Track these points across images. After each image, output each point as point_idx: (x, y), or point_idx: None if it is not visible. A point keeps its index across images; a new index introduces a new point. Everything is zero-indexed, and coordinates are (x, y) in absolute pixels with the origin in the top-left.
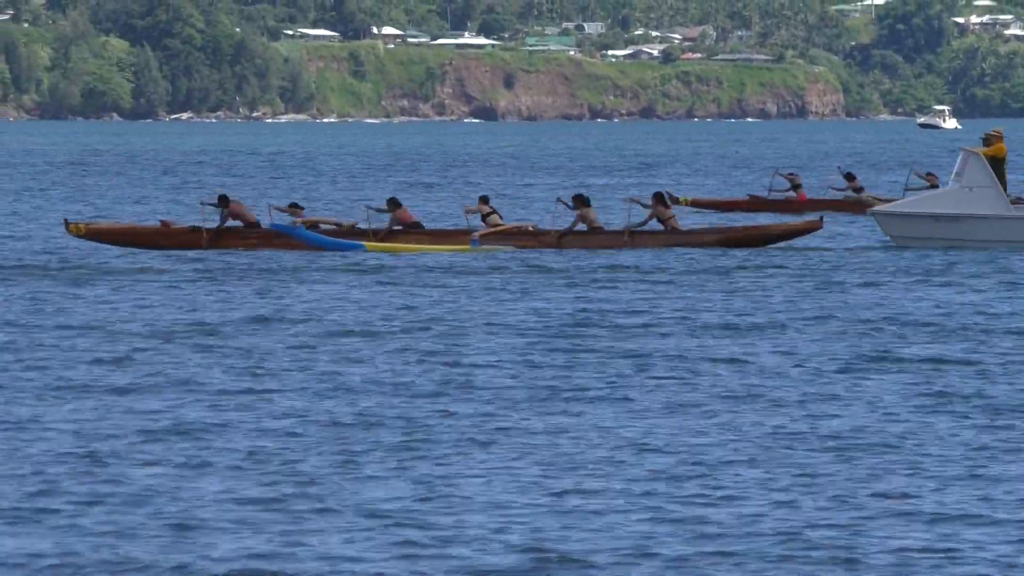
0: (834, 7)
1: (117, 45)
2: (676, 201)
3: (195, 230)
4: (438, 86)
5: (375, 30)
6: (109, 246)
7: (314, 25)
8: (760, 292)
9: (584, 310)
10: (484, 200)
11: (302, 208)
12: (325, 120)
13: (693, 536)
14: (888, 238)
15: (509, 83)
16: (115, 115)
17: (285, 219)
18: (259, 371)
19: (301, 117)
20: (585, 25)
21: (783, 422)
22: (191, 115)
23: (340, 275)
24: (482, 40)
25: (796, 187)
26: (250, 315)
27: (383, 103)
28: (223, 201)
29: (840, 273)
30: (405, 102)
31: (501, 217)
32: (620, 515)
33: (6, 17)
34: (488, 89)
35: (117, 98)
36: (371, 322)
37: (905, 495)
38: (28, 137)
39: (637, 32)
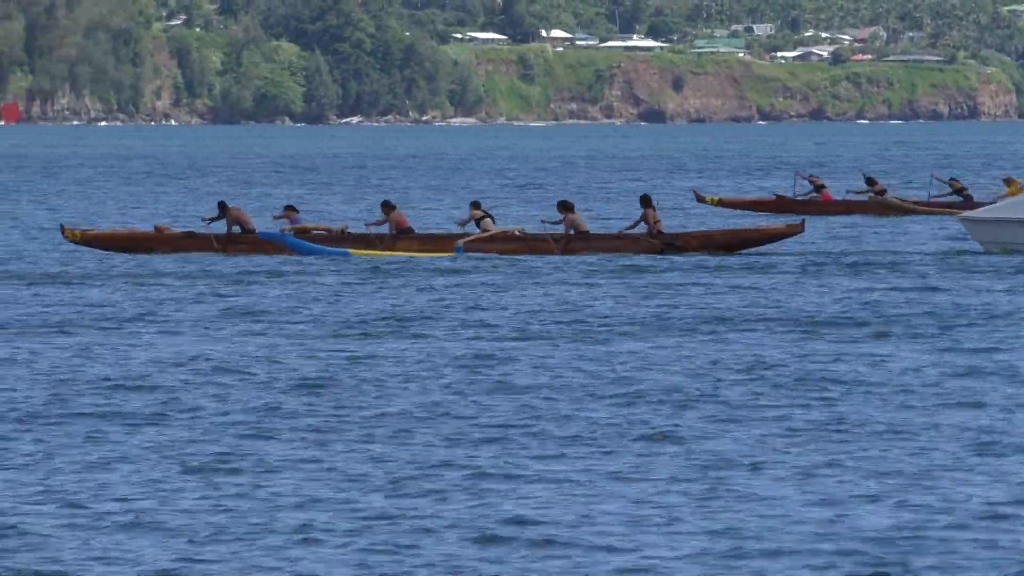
0: (1006, 8)
1: (288, 49)
2: (703, 200)
3: (190, 236)
4: (606, 89)
5: (544, 33)
6: (105, 252)
7: (483, 29)
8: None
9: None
10: (475, 205)
11: (296, 211)
12: (495, 123)
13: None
14: (978, 244)
15: (678, 85)
16: (287, 119)
17: (277, 225)
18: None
19: (470, 121)
20: (754, 27)
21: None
22: (361, 119)
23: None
24: (651, 43)
25: (819, 188)
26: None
27: (551, 106)
28: (222, 207)
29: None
30: (573, 105)
31: (494, 221)
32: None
33: (179, 22)
34: (656, 91)
35: (288, 102)
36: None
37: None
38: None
39: (807, 34)
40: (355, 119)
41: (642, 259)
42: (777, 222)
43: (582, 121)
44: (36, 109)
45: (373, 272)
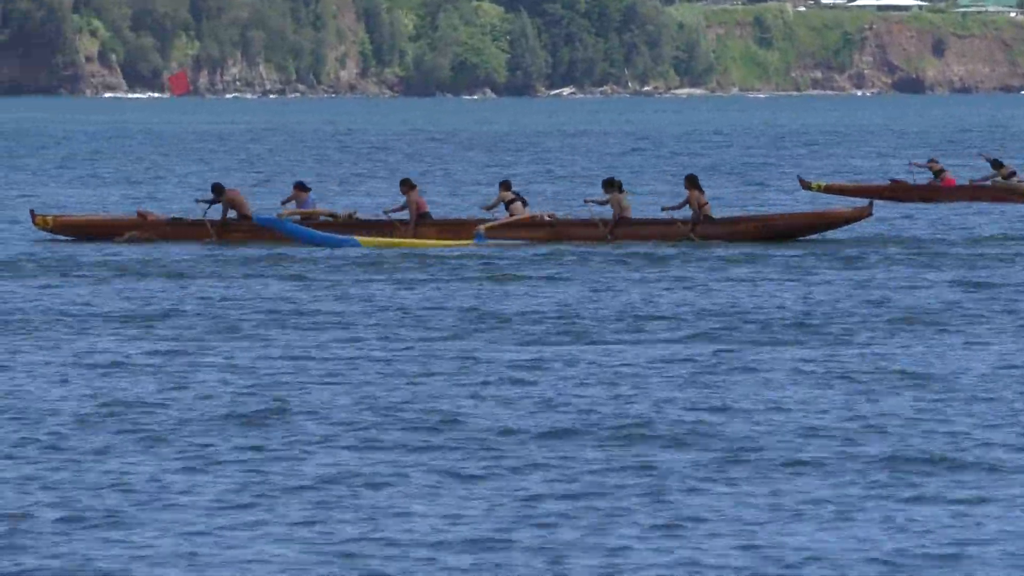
0: None
1: (490, 11)
2: (807, 186)
3: (177, 222)
4: (856, 54)
5: None
6: (79, 240)
7: None
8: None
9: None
10: (506, 186)
11: (308, 189)
12: (727, 94)
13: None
14: None
15: (939, 50)
16: (488, 91)
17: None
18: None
19: (698, 92)
20: None
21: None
22: (573, 90)
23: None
24: (908, 1)
25: (938, 173)
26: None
27: (792, 75)
28: (217, 190)
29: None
30: (817, 73)
31: (526, 203)
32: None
33: None
34: (914, 57)
35: (491, 71)
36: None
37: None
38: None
39: None
40: (566, 90)
41: (688, 248)
42: (841, 206)
43: (828, 92)
44: (204, 79)
45: (393, 263)
